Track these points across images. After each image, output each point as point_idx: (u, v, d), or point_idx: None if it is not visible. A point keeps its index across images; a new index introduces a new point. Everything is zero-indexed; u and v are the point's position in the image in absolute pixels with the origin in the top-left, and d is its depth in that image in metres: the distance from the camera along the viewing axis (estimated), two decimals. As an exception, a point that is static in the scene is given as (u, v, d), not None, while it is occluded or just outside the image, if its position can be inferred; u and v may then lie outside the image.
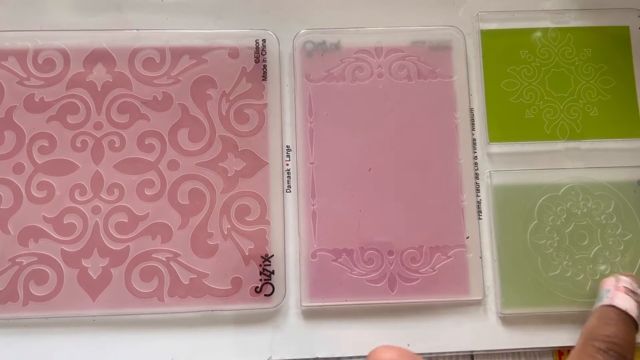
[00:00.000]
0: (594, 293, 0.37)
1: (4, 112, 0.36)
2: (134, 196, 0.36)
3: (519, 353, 0.37)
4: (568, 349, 0.37)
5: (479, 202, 0.38)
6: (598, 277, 0.37)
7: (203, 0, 0.39)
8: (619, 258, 0.37)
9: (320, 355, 0.36)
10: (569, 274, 0.37)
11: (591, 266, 0.37)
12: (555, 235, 0.37)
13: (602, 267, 0.37)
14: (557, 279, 0.37)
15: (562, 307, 0.37)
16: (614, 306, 0.34)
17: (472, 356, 0.37)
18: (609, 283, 0.36)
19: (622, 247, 0.37)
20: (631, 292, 0.35)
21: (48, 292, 0.35)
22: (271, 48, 0.38)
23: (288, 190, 0.37)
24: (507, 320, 0.37)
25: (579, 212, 0.38)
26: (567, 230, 0.38)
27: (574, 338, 0.36)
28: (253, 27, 0.39)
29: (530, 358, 0.37)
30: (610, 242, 0.37)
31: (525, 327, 0.37)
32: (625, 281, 0.35)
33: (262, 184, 0.37)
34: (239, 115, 0.37)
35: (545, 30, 0.40)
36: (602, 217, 0.38)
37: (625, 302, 0.34)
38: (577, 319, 0.37)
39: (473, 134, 0.39)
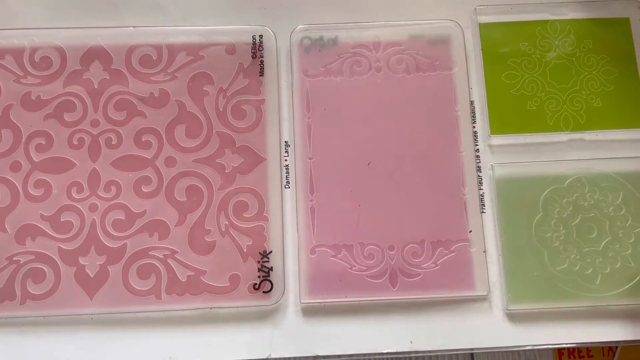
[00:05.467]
0: (605, 287, 0.36)
1: (0, 111, 0.37)
2: (131, 193, 0.36)
3: (518, 352, 0.36)
4: (573, 347, 0.36)
5: (481, 196, 0.37)
6: (608, 270, 0.36)
7: (200, -1, 0.40)
8: (629, 250, 0.36)
9: (320, 353, 0.35)
10: (577, 268, 0.36)
11: (600, 259, 0.36)
12: (561, 228, 0.37)
13: (613, 261, 0.36)
14: (565, 273, 0.36)
15: (571, 302, 0.35)
16: None
17: (472, 354, 0.36)
18: None
19: (632, 240, 0.36)
20: None
21: (45, 290, 0.35)
22: (268, 44, 0.38)
23: (286, 186, 0.37)
24: (514, 317, 0.36)
25: (586, 204, 0.37)
26: (574, 223, 0.37)
27: (582, 334, 0.35)
28: (250, 23, 0.39)
29: (530, 356, 0.36)
30: (620, 235, 0.36)
31: (532, 324, 0.35)
32: None
33: (260, 180, 0.36)
34: (236, 111, 0.37)
35: (544, 22, 0.40)
36: (611, 208, 0.37)
37: None
38: (586, 315, 0.35)
39: (474, 127, 0.38)
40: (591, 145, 0.38)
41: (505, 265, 0.36)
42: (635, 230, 0.37)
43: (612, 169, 0.37)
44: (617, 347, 0.36)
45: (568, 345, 0.35)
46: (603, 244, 0.36)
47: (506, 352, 0.36)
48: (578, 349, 0.36)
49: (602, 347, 0.36)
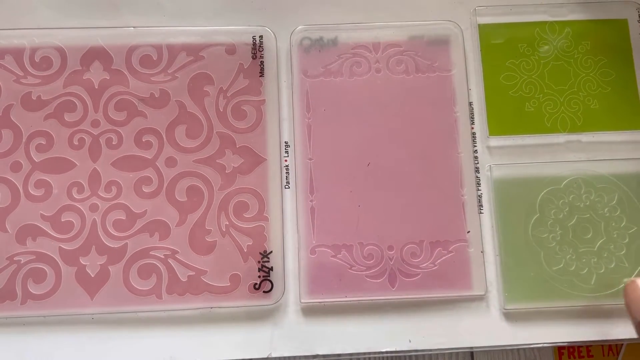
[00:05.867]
0: (599, 287, 0.36)
1: (1, 111, 0.37)
2: (132, 193, 0.36)
3: (518, 350, 0.36)
4: (573, 346, 0.36)
5: (479, 196, 0.37)
6: (603, 270, 0.36)
7: (200, -2, 0.40)
8: (624, 251, 0.37)
9: (320, 352, 0.35)
10: (572, 268, 0.36)
11: (595, 260, 0.37)
12: (558, 229, 0.37)
13: (607, 261, 0.37)
14: (560, 273, 0.36)
15: (566, 301, 0.36)
16: None
17: (472, 353, 0.36)
18: None
19: (627, 240, 0.37)
20: None
21: (46, 290, 0.35)
22: (268, 44, 0.38)
23: (286, 186, 0.37)
24: (511, 316, 0.36)
25: (582, 205, 0.37)
26: (570, 224, 0.37)
27: (579, 333, 0.36)
28: (250, 24, 0.39)
29: (530, 355, 0.36)
30: (615, 235, 0.37)
31: (529, 323, 0.36)
32: None
33: (261, 180, 0.37)
34: (236, 111, 0.37)
35: (543, 23, 0.40)
36: (606, 209, 0.37)
37: None
38: (582, 314, 0.36)
39: (472, 128, 0.38)
40: (588, 146, 0.38)
41: (503, 265, 0.36)
42: (630, 231, 0.37)
43: (607, 171, 0.38)
44: (621, 348, 0.37)
45: (564, 344, 0.36)
46: (598, 244, 0.37)
47: (506, 351, 0.36)
48: (578, 349, 0.36)
49: (602, 348, 0.36)
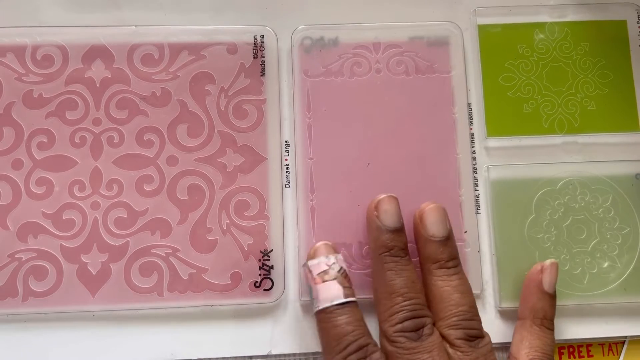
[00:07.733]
0: (592, 286, 0.37)
1: (2, 108, 0.36)
2: (133, 192, 0.36)
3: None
4: (573, 345, 0.37)
5: (477, 197, 0.38)
6: (596, 270, 0.37)
7: (201, -4, 0.39)
8: (616, 251, 0.37)
9: (320, 350, 0.36)
10: (566, 268, 0.37)
11: (589, 260, 0.37)
12: (553, 229, 0.38)
13: (600, 261, 0.37)
14: (555, 273, 0.37)
15: (559, 300, 0.37)
16: (325, 309, 0.32)
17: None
18: (307, 275, 0.33)
19: (619, 241, 0.38)
20: (326, 272, 0.33)
21: (47, 287, 0.35)
22: (269, 44, 0.38)
23: (287, 186, 0.37)
24: (506, 314, 0.37)
25: (577, 206, 0.38)
26: (565, 224, 0.38)
27: (571, 331, 0.37)
28: (251, 23, 0.39)
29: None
30: (608, 236, 0.38)
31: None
32: (314, 265, 0.33)
33: (261, 179, 0.37)
34: (237, 110, 0.38)
35: (542, 24, 0.40)
36: (600, 210, 0.38)
37: (329, 294, 0.32)
38: (575, 312, 0.37)
39: (471, 129, 0.39)
40: (584, 148, 0.39)
41: (499, 265, 0.37)
42: (623, 232, 0.38)
43: (602, 172, 0.38)
44: (622, 348, 0.37)
45: (556, 341, 0.37)
46: (592, 244, 0.38)
47: (501, 349, 0.37)
48: (578, 350, 0.37)
49: (602, 348, 0.37)
